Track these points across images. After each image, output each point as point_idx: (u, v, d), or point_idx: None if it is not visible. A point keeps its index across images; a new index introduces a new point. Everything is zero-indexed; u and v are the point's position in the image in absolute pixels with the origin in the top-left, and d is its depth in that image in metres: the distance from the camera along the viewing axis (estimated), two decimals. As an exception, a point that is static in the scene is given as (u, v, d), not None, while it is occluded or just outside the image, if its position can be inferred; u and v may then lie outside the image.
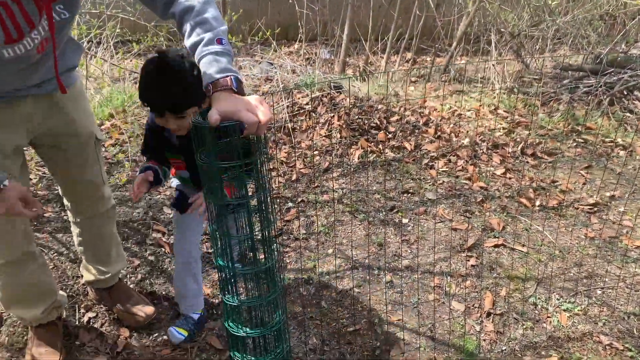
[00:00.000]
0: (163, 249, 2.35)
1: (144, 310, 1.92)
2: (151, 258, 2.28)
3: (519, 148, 3.52)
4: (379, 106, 3.74)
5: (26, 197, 1.30)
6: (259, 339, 1.52)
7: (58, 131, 1.56)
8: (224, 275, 1.38)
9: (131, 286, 2.12)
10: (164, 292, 2.13)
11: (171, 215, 2.62)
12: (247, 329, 1.42)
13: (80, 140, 1.63)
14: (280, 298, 1.46)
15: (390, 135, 3.49)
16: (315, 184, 3.06)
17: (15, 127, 1.44)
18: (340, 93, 3.87)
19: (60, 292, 1.87)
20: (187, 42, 1.27)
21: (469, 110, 4.04)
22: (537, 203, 2.93)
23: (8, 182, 1.26)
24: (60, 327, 1.83)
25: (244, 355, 1.46)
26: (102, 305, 2.00)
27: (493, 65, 4.77)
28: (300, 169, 3.21)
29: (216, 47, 1.23)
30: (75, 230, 1.88)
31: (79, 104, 1.61)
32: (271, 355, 1.49)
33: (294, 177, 3.12)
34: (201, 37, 1.24)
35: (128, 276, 2.16)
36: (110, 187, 1.93)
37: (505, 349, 1.97)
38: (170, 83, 1.41)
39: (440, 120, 3.76)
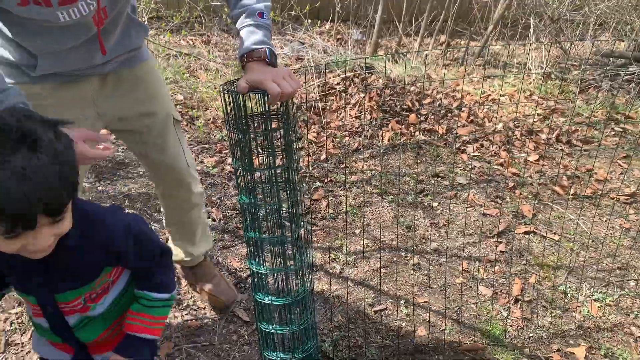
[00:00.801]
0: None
1: (227, 294, 1.92)
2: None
3: (554, 135, 3.43)
4: (411, 88, 3.69)
5: (89, 136, 1.18)
6: (285, 310, 1.54)
7: (129, 113, 1.50)
8: (252, 246, 1.40)
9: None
10: (193, 264, 2.17)
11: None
12: (273, 298, 1.44)
13: (156, 121, 1.55)
14: (305, 269, 1.47)
15: (421, 118, 3.45)
16: (344, 165, 3.05)
17: (84, 107, 1.41)
18: (372, 74, 3.83)
19: None
20: (232, 13, 1.30)
21: (503, 95, 3.95)
22: (571, 191, 2.86)
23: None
24: None
25: (271, 325, 1.48)
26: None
27: (531, 49, 4.63)
28: (330, 149, 3.20)
29: (257, 20, 1.25)
30: (163, 209, 1.88)
31: (150, 83, 1.55)
32: (296, 326, 1.50)
33: (322, 157, 3.12)
34: (245, 9, 1.26)
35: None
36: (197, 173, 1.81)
37: (532, 336, 1.94)
38: (41, 166, 0.80)
39: (474, 105, 3.69)
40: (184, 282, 2.05)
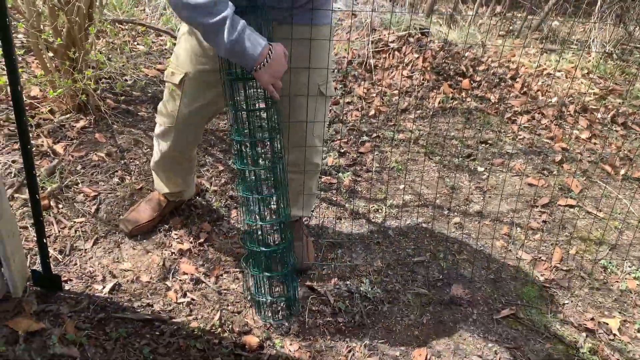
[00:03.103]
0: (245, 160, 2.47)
1: (302, 258, 1.91)
2: (234, 166, 2.40)
3: (610, 115, 3.35)
4: (467, 54, 3.64)
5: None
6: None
7: None
8: (238, 147, 1.51)
9: (214, 189, 2.26)
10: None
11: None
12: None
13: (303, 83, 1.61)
14: (282, 166, 1.55)
15: (474, 85, 3.41)
16: (393, 122, 3.06)
17: None
18: (425, 36, 3.78)
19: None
20: None
21: (559, 71, 3.85)
22: (622, 172, 2.82)
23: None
24: (169, 207, 2.01)
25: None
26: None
27: (594, 28, 4.46)
28: (379, 106, 3.21)
29: None
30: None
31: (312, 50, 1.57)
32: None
33: (371, 113, 3.14)
34: None
35: (212, 179, 2.30)
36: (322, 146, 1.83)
37: (567, 303, 1.98)
38: None
39: (529, 77, 3.61)
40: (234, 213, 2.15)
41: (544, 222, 2.40)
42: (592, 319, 1.92)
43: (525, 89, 3.49)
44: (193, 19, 1.29)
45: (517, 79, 3.57)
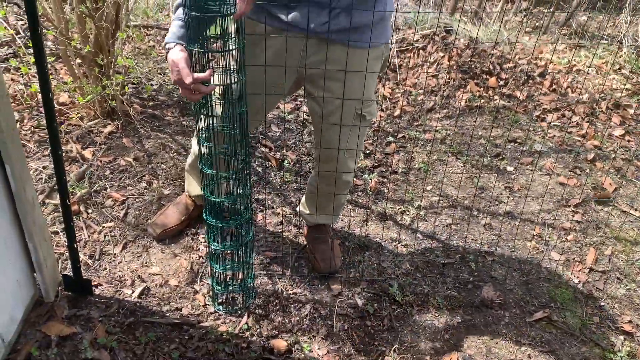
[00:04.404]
0: (270, 163, 2.47)
1: (328, 263, 1.91)
2: (259, 169, 2.40)
3: (644, 111, 3.24)
4: (493, 51, 3.57)
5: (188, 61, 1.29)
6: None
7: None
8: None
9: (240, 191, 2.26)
10: (269, 202, 2.25)
11: (277, 133, 2.72)
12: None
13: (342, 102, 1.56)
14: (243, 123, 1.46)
15: (501, 83, 3.34)
16: (418, 122, 3.02)
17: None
18: (450, 34, 3.72)
19: None
20: None
21: (589, 67, 3.75)
22: (658, 169, 2.72)
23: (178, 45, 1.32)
24: (196, 211, 2.01)
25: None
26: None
27: (627, 22, 4.33)
28: (404, 105, 3.18)
29: None
30: (313, 172, 1.90)
31: (353, 66, 1.52)
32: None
33: (396, 113, 3.10)
34: None
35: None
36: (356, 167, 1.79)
37: (603, 305, 1.91)
38: None
39: (557, 73, 3.53)
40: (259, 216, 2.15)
41: (577, 222, 2.33)
42: (630, 322, 1.85)
43: (554, 86, 3.40)
44: None
45: (546, 76, 3.49)
